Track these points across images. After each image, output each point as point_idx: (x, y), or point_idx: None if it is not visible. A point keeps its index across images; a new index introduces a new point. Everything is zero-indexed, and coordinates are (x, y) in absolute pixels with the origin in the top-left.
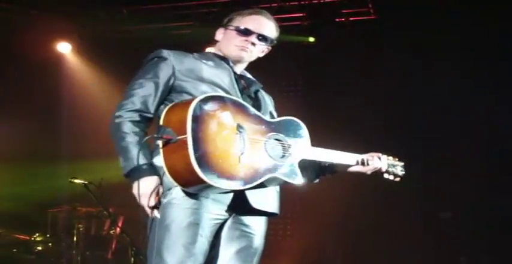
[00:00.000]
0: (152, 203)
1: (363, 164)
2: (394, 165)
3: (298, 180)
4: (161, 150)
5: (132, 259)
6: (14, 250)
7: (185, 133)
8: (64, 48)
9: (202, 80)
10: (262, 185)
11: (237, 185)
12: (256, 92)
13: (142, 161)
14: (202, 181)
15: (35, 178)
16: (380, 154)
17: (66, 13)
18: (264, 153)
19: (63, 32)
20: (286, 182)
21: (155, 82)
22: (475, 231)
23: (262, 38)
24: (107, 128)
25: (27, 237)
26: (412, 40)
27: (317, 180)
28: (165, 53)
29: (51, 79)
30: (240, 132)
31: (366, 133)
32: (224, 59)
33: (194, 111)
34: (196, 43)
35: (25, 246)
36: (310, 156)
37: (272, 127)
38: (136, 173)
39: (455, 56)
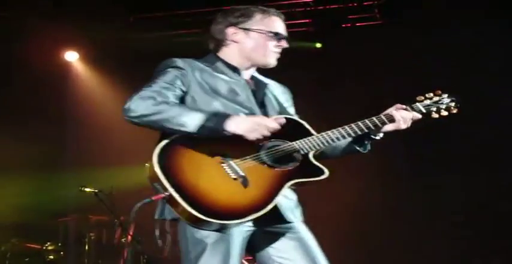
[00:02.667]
0: (272, 124)
1: (376, 126)
2: (437, 102)
3: (322, 174)
4: (168, 206)
5: None
6: (26, 259)
7: (166, 189)
8: (71, 56)
9: (216, 95)
10: (287, 194)
11: (253, 213)
12: (264, 95)
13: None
14: (212, 223)
15: (45, 188)
16: (402, 105)
17: (73, 22)
18: (264, 167)
19: (70, 41)
20: (311, 181)
21: (170, 88)
22: (486, 234)
23: (287, 40)
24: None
25: (39, 247)
26: (418, 44)
27: (365, 150)
28: (179, 62)
29: (58, 87)
30: (224, 161)
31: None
32: (235, 69)
33: (159, 164)
34: (203, 51)
35: (37, 256)
36: (321, 144)
37: None
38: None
39: (463, 57)
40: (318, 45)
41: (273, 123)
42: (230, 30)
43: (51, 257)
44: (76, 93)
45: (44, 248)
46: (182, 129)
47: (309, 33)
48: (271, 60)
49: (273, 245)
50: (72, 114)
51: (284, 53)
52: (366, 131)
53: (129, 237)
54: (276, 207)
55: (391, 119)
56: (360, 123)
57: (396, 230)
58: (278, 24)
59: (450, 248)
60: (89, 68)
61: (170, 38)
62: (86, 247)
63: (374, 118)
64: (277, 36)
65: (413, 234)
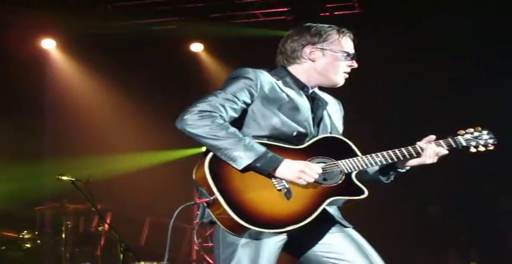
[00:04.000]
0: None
1: (411, 156)
2: (476, 137)
3: (362, 194)
4: (209, 211)
5: (121, 255)
6: (3, 247)
7: (213, 194)
8: (48, 44)
9: (277, 111)
10: (326, 211)
11: (291, 225)
12: (321, 115)
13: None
14: (250, 230)
15: (22, 176)
16: (433, 137)
17: (51, 9)
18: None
19: (47, 29)
20: (349, 200)
21: (233, 101)
22: (462, 225)
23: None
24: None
25: (16, 235)
26: (398, 34)
27: (387, 180)
28: (251, 73)
29: (36, 76)
30: None
31: (354, 132)
32: (304, 86)
33: (210, 169)
34: (181, 39)
35: (13, 244)
36: (365, 165)
37: (310, 152)
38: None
39: (442, 48)
40: None
41: (318, 169)
42: (308, 49)
43: (28, 245)
44: (53, 81)
45: (21, 236)
46: (230, 162)
47: (287, 22)
48: (341, 80)
49: (322, 241)
50: (50, 102)
51: (263, 41)
52: (409, 157)
53: (106, 225)
54: (329, 216)
55: (418, 153)
56: (403, 149)
57: (372, 221)
58: (350, 44)
59: (427, 239)
60: (66, 56)
61: (148, 25)
62: (63, 235)
63: (410, 148)
64: (349, 56)
65: (389, 225)
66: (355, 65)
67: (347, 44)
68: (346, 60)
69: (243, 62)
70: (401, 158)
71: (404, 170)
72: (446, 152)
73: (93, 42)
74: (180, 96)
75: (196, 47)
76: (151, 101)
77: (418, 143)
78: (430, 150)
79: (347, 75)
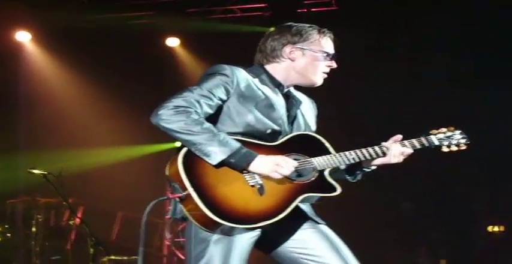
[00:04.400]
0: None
1: (378, 155)
2: (449, 137)
3: (334, 191)
4: (181, 206)
5: (92, 249)
6: None
7: (185, 189)
8: (23, 37)
9: (252, 108)
10: (299, 208)
11: (263, 221)
12: (295, 114)
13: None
14: (222, 225)
15: None
16: (400, 137)
17: (26, 1)
18: (282, 178)
19: (22, 21)
20: (322, 197)
21: (208, 97)
22: (434, 222)
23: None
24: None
25: None
26: (374, 31)
27: (354, 179)
28: (228, 70)
29: (10, 68)
30: None
31: (330, 128)
32: (279, 85)
33: (184, 164)
34: (157, 33)
35: None
36: (339, 163)
37: (283, 149)
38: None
39: (418, 45)
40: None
41: (294, 163)
42: (287, 49)
43: None
44: (28, 73)
45: None
46: (205, 158)
47: (264, 18)
48: (319, 80)
49: (294, 237)
50: (24, 95)
51: (240, 37)
52: (375, 157)
53: (77, 219)
54: (302, 212)
55: (384, 152)
56: (370, 149)
57: (345, 218)
58: (330, 45)
59: (399, 235)
60: (40, 48)
61: (124, 20)
62: (34, 229)
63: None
64: (329, 56)
65: (362, 221)
66: (334, 65)
67: (327, 44)
68: (326, 61)
69: (219, 57)
70: (368, 157)
71: (370, 170)
72: (412, 151)
73: (69, 35)
74: (156, 91)
75: (173, 42)
76: (126, 95)
77: (384, 143)
78: (395, 150)
79: (326, 75)
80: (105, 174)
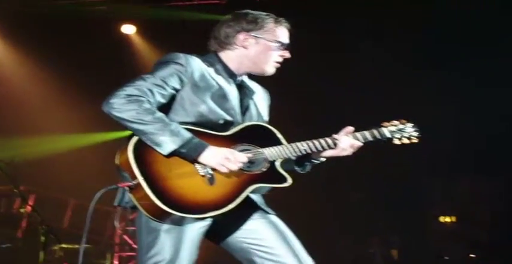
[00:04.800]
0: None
1: (329, 146)
2: (401, 130)
3: (285, 182)
4: (130, 195)
5: (43, 237)
6: None
7: (135, 178)
8: None
9: (206, 98)
10: (249, 198)
11: (213, 210)
12: (248, 104)
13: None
14: (171, 215)
15: None
16: (351, 128)
17: None
18: None
19: None
20: (273, 188)
21: (162, 86)
22: (386, 213)
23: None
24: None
25: None
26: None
27: (303, 170)
28: (182, 59)
29: None
30: None
31: (280, 121)
32: (232, 75)
33: (134, 153)
34: (113, 20)
35: None
36: (289, 153)
37: (234, 139)
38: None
39: (367, 38)
40: None
41: (243, 158)
42: (241, 36)
43: None
44: None
45: None
46: (155, 147)
47: (221, 6)
48: (271, 69)
49: (244, 227)
50: None
51: (197, 25)
52: (327, 148)
53: (29, 207)
54: (253, 202)
55: (335, 144)
56: (321, 140)
57: (296, 208)
58: (286, 34)
59: (350, 226)
60: None
61: (79, 6)
62: None
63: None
64: (283, 46)
65: (313, 212)
66: (288, 55)
67: (282, 33)
68: (279, 50)
69: (175, 45)
70: (320, 149)
71: (319, 161)
72: (361, 144)
73: (21, 20)
74: (109, 79)
75: (128, 29)
76: (79, 82)
77: (335, 135)
78: (345, 143)
79: (278, 65)
80: (58, 162)
